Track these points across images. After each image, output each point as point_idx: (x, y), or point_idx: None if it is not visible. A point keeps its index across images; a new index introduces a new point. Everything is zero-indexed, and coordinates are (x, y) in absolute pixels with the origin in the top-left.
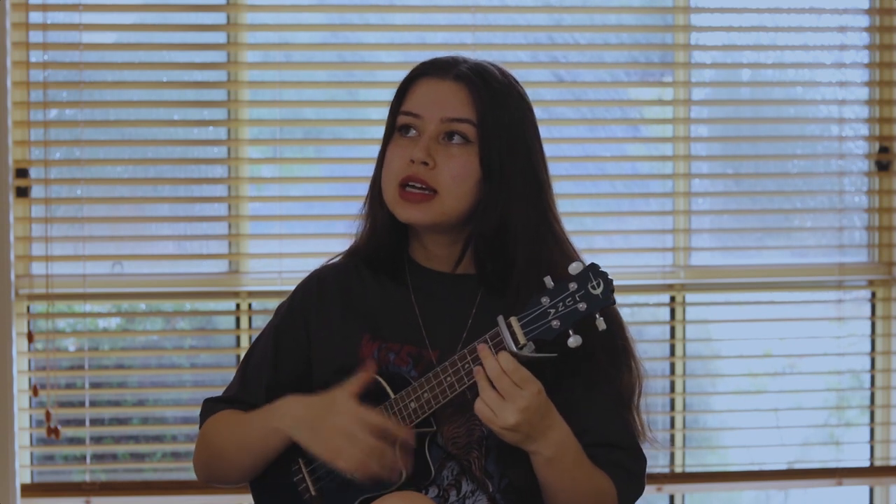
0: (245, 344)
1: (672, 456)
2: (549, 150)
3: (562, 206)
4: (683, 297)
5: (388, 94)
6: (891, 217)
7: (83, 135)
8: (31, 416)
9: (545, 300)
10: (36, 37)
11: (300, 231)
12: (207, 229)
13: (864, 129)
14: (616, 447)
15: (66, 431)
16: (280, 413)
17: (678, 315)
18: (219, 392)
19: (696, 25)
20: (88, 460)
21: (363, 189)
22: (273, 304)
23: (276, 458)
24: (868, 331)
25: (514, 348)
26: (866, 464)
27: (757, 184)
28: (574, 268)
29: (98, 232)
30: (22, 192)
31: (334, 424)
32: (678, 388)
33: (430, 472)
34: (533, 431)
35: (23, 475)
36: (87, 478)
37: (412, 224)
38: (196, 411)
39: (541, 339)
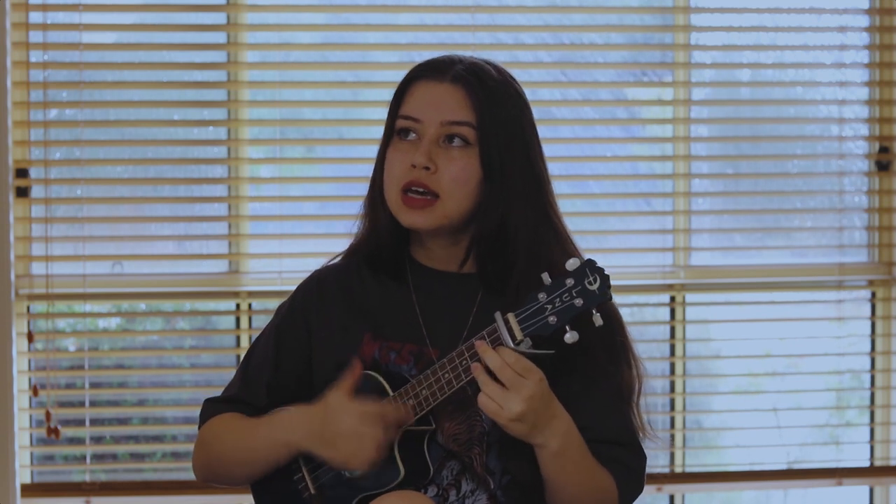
0: (245, 344)
1: (672, 456)
2: (549, 150)
3: (562, 206)
4: (683, 297)
5: (388, 95)
6: (891, 217)
7: (83, 135)
8: (31, 416)
9: (542, 296)
10: (36, 37)
11: (300, 231)
12: (207, 229)
13: (864, 129)
14: (616, 444)
15: (66, 431)
16: (286, 427)
17: (678, 315)
18: (219, 392)
19: (696, 25)
20: (88, 460)
21: (363, 189)
22: (273, 304)
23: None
24: (868, 331)
25: (511, 344)
26: (866, 464)
27: (757, 184)
28: (571, 264)
29: (98, 232)
30: (22, 192)
31: (338, 430)
32: (678, 388)
33: (428, 470)
34: (538, 421)
35: (23, 475)
36: (87, 478)
37: (415, 229)
38: (196, 411)
39: (538, 335)
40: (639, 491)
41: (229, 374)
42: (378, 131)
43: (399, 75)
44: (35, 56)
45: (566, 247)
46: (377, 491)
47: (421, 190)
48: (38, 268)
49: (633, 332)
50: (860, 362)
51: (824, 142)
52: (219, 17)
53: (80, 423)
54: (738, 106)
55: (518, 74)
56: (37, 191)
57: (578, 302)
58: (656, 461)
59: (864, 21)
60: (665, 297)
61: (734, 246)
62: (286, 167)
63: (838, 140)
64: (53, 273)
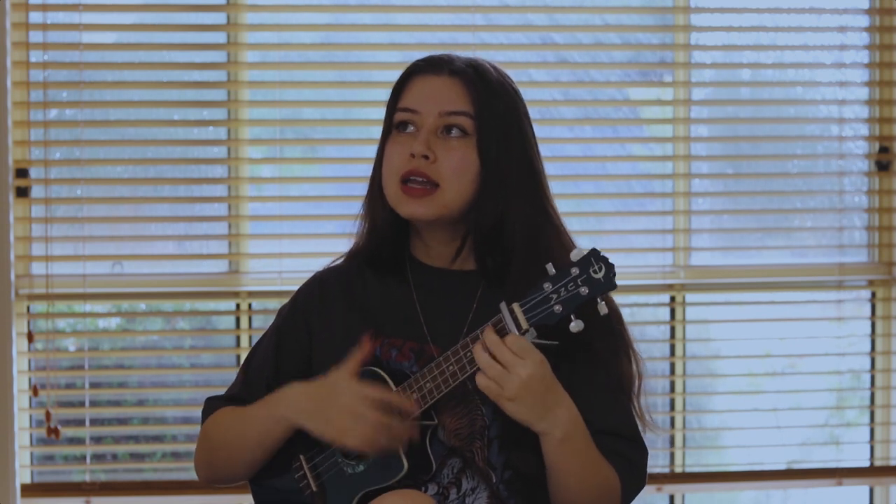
0: (245, 344)
1: (672, 456)
2: (549, 150)
3: (562, 206)
4: (683, 297)
5: (388, 94)
6: (891, 217)
7: (83, 135)
8: (31, 416)
9: (547, 286)
10: (36, 37)
11: (300, 231)
12: (207, 229)
13: (864, 129)
14: (619, 437)
15: (66, 431)
16: (283, 402)
17: (678, 315)
18: (220, 392)
19: (696, 25)
20: (88, 460)
21: (363, 189)
22: (273, 304)
23: (277, 453)
24: (868, 331)
25: (517, 333)
26: (866, 464)
27: (757, 184)
28: (576, 253)
29: (98, 232)
30: (22, 192)
31: (339, 405)
32: (678, 388)
33: (430, 466)
34: (539, 405)
35: (23, 475)
36: (87, 478)
37: (414, 219)
38: (196, 411)
39: (543, 324)
40: (641, 486)
41: (229, 373)
42: (378, 131)
43: (399, 75)
44: (35, 56)
45: (563, 240)
46: (379, 486)
47: (420, 179)
48: (38, 268)
49: (633, 332)
50: (860, 362)
51: (824, 142)
52: (219, 17)
53: (80, 423)
54: (738, 106)
55: (518, 74)
56: (37, 191)
57: (584, 290)
58: (656, 461)
59: (864, 21)
60: (665, 297)
61: (734, 246)
62: (286, 167)
63: (838, 140)
64: (53, 273)
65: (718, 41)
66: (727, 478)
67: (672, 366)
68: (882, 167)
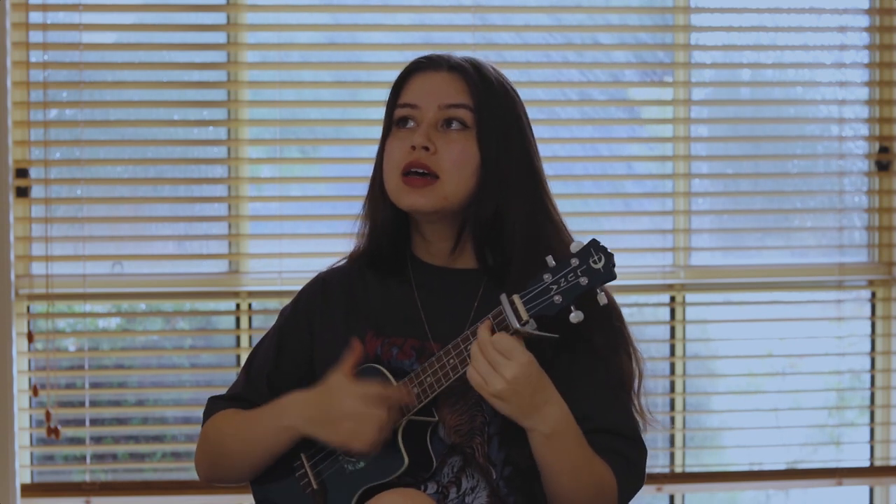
0: (245, 344)
1: (672, 456)
2: (549, 150)
3: (562, 206)
4: (683, 297)
5: (388, 94)
6: (891, 217)
7: (83, 135)
8: (31, 416)
9: (547, 277)
10: (36, 37)
11: (300, 231)
12: (207, 229)
13: (864, 129)
14: (618, 435)
15: (66, 431)
16: (287, 411)
17: (678, 315)
18: (220, 392)
19: (696, 25)
20: (88, 460)
21: (363, 189)
22: (273, 304)
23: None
24: (868, 331)
25: (517, 325)
26: (866, 464)
27: (757, 184)
28: (575, 245)
29: (98, 232)
30: (22, 192)
31: (340, 411)
32: (678, 388)
33: (431, 463)
34: (524, 404)
35: (23, 475)
36: (87, 478)
37: (415, 211)
38: (196, 411)
39: (543, 315)
40: (639, 485)
41: (229, 373)
42: (378, 131)
43: (398, 74)
44: (35, 56)
45: (564, 238)
46: (379, 483)
47: (421, 171)
48: (38, 268)
49: (633, 332)
50: (860, 362)
51: (824, 142)
52: (219, 17)
53: (80, 423)
54: (738, 106)
55: (518, 74)
56: (37, 191)
57: (584, 281)
58: (656, 461)
59: (864, 21)
60: (665, 297)
61: (734, 246)
62: (286, 167)
63: (838, 140)
64: (53, 273)
65: (718, 41)
66: (727, 478)
67: (672, 366)
68: (882, 167)
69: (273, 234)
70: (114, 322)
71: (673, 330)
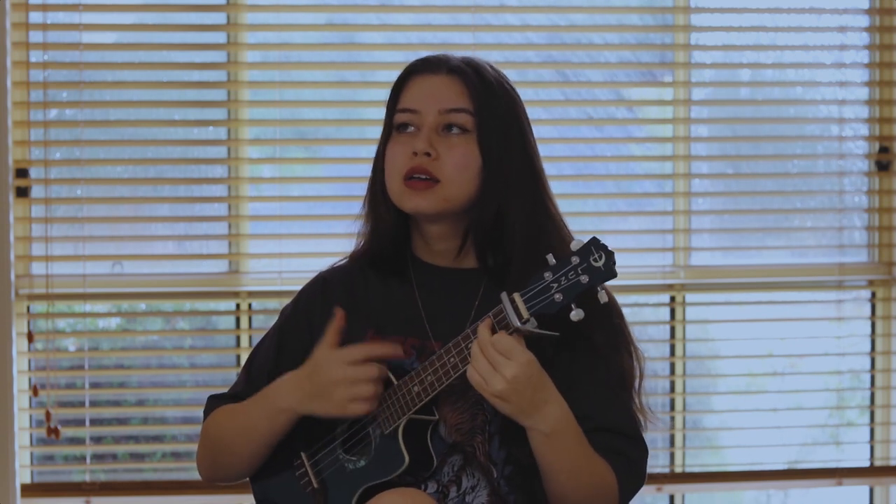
0: (245, 344)
1: (672, 456)
2: (549, 150)
3: (562, 206)
4: (683, 297)
5: (388, 94)
6: (891, 217)
7: (83, 135)
8: (31, 416)
9: (548, 275)
10: (36, 37)
11: (300, 231)
12: (207, 229)
13: (864, 129)
14: (619, 434)
15: (66, 431)
16: (280, 393)
17: (678, 315)
18: (220, 391)
19: (696, 25)
20: (88, 460)
21: (363, 189)
22: (273, 304)
23: (278, 452)
24: (868, 331)
25: (518, 323)
26: (866, 464)
27: (757, 184)
28: (576, 243)
29: (98, 232)
30: (22, 192)
31: (331, 379)
32: (678, 388)
33: (432, 461)
34: (525, 403)
35: (23, 475)
36: (87, 478)
37: (417, 213)
38: (196, 411)
39: (544, 313)
40: (640, 484)
41: (229, 373)
42: (377, 131)
43: (397, 77)
44: (35, 56)
45: (563, 234)
46: (380, 481)
47: (423, 176)
48: (38, 268)
49: (633, 331)
50: (860, 362)
51: (824, 142)
52: (219, 17)
53: (80, 423)
54: (738, 106)
55: (518, 74)
56: (37, 191)
57: (584, 279)
58: (656, 461)
59: (864, 21)
60: (665, 297)
61: (734, 246)
62: (286, 167)
63: (838, 140)
64: (53, 273)
65: (718, 41)
66: (727, 478)
67: (672, 366)
68: (882, 167)
69: (273, 234)
70: (114, 322)
71: (673, 330)
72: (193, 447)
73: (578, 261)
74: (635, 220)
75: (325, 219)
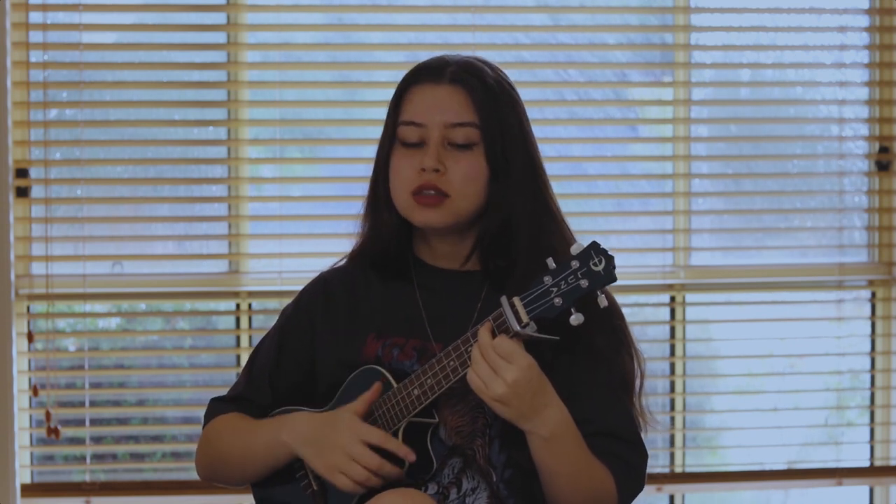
0: (245, 344)
1: (672, 456)
2: (549, 150)
3: (562, 206)
4: (683, 297)
5: (389, 95)
6: (891, 217)
7: (83, 135)
8: (31, 416)
9: (547, 279)
10: (36, 37)
11: (300, 231)
12: (207, 229)
13: (864, 129)
14: (618, 438)
15: (66, 431)
16: (287, 427)
17: (678, 315)
18: (221, 392)
19: (696, 25)
20: (88, 460)
21: (363, 189)
22: (273, 304)
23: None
24: (868, 331)
25: (517, 327)
26: (866, 464)
27: (757, 184)
28: (576, 247)
29: (98, 232)
30: (22, 192)
31: (336, 442)
32: (678, 388)
33: (432, 464)
34: (525, 407)
35: (23, 475)
36: (87, 478)
37: (427, 227)
38: (196, 411)
39: (543, 318)
40: (639, 489)
41: (229, 373)
42: (378, 131)
43: (399, 75)
44: (35, 56)
45: (565, 236)
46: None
47: (432, 192)
48: (38, 268)
49: (633, 332)
50: (860, 362)
51: (824, 142)
52: (219, 17)
53: (80, 423)
54: (738, 106)
55: (518, 74)
56: (37, 191)
57: (584, 283)
58: (656, 461)
59: (864, 21)
60: (665, 297)
61: (734, 246)
62: (286, 167)
63: (838, 140)
64: (53, 273)
65: (718, 41)
66: (727, 478)
67: (672, 366)
68: (882, 167)
69: (273, 234)
70: (114, 322)
71: (673, 330)
72: (193, 447)
73: (578, 265)
74: (635, 220)
75: (325, 219)
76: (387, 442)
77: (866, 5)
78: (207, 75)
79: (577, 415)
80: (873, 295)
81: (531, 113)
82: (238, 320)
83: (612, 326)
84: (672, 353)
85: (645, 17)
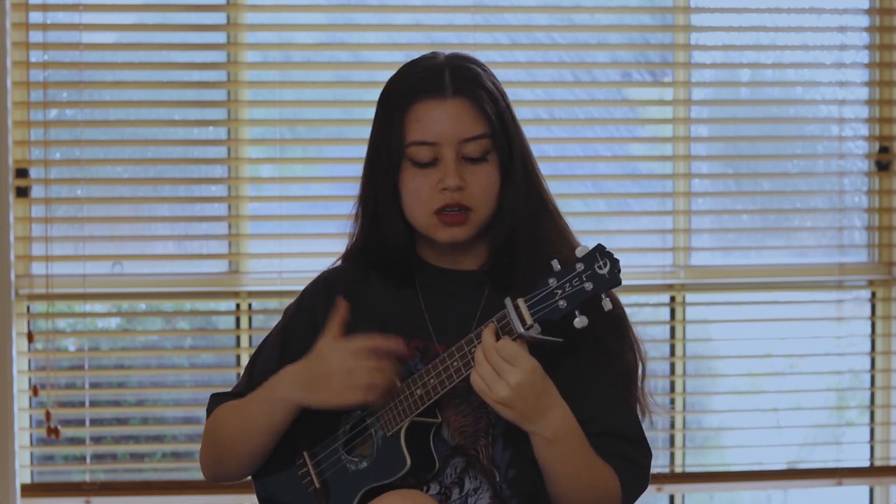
0: (245, 344)
1: (672, 456)
2: (549, 150)
3: (562, 206)
4: (683, 297)
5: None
6: (891, 217)
7: (83, 135)
8: (31, 416)
9: (552, 281)
10: (36, 37)
11: (300, 231)
12: (207, 229)
13: (864, 129)
14: (623, 438)
15: (66, 431)
16: (280, 384)
17: (678, 315)
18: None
19: (696, 25)
20: (88, 460)
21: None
22: (273, 304)
23: (280, 451)
24: (868, 331)
25: (521, 329)
26: (866, 464)
27: (757, 184)
28: (581, 250)
29: (98, 232)
30: (22, 192)
31: (329, 370)
32: (678, 388)
33: (433, 464)
34: (528, 410)
35: (23, 475)
36: (87, 478)
37: (453, 243)
38: (196, 411)
39: (547, 320)
40: (643, 487)
41: (229, 373)
42: None
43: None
44: (35, 56)
45: (567, 237)
46: (381, 483)
47: (456, 209)
48: (38, 268)
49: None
50: (860, 362)
51: (824, 142)
52: (219, 17)
53: (80, 423)
54: (738, 106)
55: (518, 74)
56: (37, 191)
57: (589, 286)
58: (656, 461)
59: (864, 21)
60: (665, 297)
61: (734, 246)
62: (286, 167)
63: (838, 140)
64: (53, 273)
65: (718, 41)
66: (727, 478)
67: (672, 366)
68: (882, 167)
69: (273, 234)
70: (114, 322)
71: (673, 330)
72: (193, 447)
73: (583, 268)
74: (635, 220)
75: (325, 219)
76: (374, 343)
77: (866, 5)
78: (207, 75)
79: (580, 414)
80: (873, 295)
81: (531, 113)
82: (238, 320)
83: (615, 326)
84: (672, 353)
85: (645, 17)
